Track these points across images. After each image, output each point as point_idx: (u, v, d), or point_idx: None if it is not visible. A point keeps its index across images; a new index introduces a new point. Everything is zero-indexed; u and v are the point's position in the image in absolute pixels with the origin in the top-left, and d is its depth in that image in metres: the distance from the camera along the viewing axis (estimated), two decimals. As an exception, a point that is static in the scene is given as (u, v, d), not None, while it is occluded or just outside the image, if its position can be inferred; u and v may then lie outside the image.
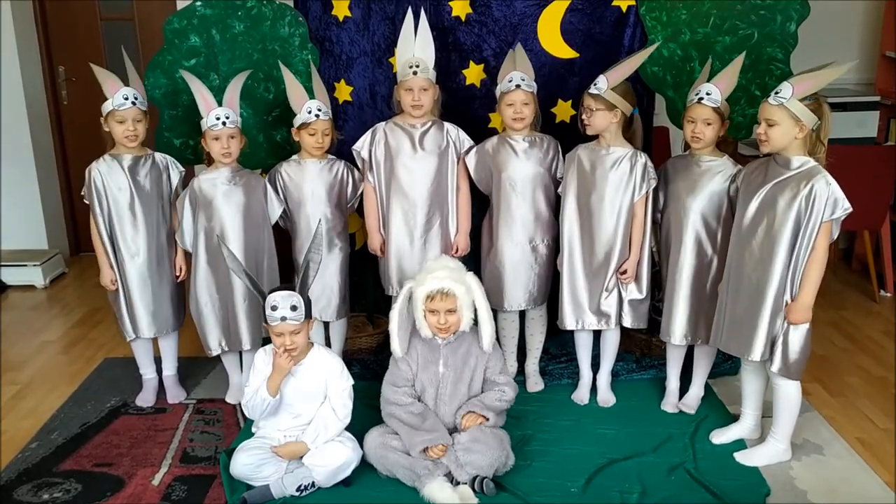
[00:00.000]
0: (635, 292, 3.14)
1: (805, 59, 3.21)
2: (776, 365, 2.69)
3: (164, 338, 3.31)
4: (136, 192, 3.11)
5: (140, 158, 3.13)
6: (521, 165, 3.16)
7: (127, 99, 3.03)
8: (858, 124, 4.23)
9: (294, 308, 2.63)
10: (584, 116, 3.05)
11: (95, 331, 4.12)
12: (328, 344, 3.40)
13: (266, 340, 2.89)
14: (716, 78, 2.92)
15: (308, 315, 2.69)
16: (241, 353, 3.28)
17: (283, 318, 2.62)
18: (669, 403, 3.22)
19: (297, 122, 3.15)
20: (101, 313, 4.28)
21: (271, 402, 2.68)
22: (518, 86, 3.08)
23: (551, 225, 3.24)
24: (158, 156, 3.19)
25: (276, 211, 3.20)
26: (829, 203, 2.56)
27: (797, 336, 2.67)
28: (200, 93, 3.07)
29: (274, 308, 2.62)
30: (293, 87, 3.16)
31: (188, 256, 3.24)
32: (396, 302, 2.80)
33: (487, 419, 2.78)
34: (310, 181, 3.21)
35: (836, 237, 2.65)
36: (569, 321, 3.18)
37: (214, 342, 3.19)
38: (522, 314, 3.38)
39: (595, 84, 3.00)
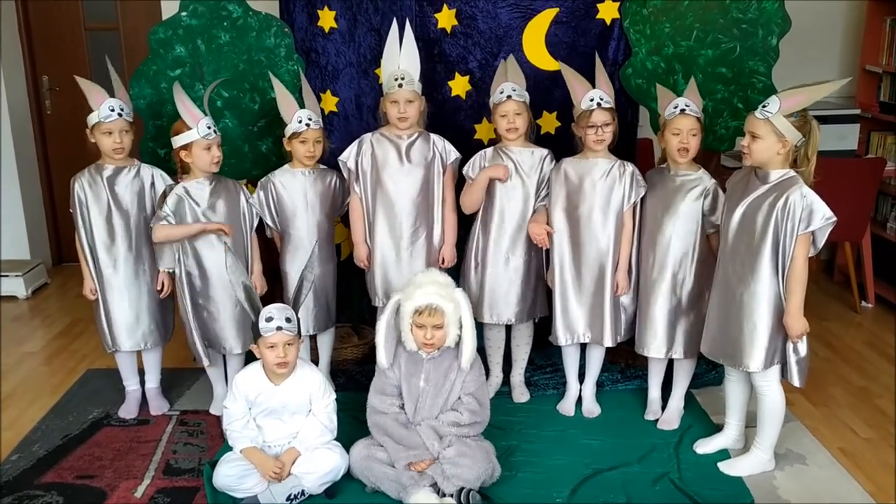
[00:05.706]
0: (629, 304, 3.16)
1: (786, 73, 3.26)
2: (795, 378, 2.69)
3: (148, 351, 3.28)
4: (113, 204, 3.09)
5: (123, 169, 3.11)
6: (516, 177, 3.17)
7: (113, 110, 3.00)
8: (839, 137, 4.27)
9: (289, 320, 2.63)
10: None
11: (77, 342, 4.09)
12: (315, 357, 3.38)
13: (250, 358, 2.86)
14: (685, 94, 2.96)
15: (299, 332, 2.69)
16: (225, 366, 3.25)
17: (279, 328, 2.61)
18: (652, 412, 3.23)
19: (289, 131, 3.12)
20: (84, 324, 4.25)
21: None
22: (509, 96, 3.09)
23: None
24: (145, 167, 3.17)
25: (253, 220, 3.16)
26: (805, 214, 2.55)
27: (803, 345, 2.69)
28: (185, 105, 3.02)
29: (269, 319, 2.61)
30: (283, 97, 3.13)
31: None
32: (383, 313, 2.80)
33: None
34: (303, 191, 3.19)
35: (820, 247, 2.63)
36: (562, 337, 3.18)
37: (202, 352, 3.15)
38: (509, 326, 3.38)
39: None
